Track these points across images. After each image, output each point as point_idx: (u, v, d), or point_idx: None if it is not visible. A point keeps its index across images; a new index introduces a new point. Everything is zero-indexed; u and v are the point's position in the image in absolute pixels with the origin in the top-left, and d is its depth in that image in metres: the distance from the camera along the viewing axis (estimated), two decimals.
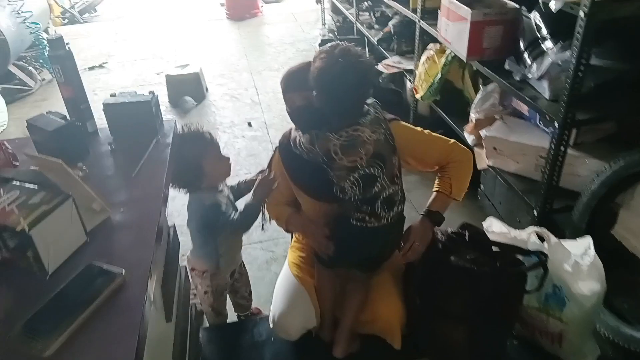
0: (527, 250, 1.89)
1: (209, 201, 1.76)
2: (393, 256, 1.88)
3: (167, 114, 4.76)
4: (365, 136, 1.56)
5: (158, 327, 1.36)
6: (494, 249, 1.93)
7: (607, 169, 2.06)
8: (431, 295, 1.86)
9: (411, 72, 3.83)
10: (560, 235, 2.41)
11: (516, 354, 2.04)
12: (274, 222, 1.94)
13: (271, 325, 1.93)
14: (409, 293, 1.93)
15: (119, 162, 1.53)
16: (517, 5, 2.59)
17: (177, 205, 2.40)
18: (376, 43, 4.37)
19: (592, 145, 2.41)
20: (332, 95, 1.51)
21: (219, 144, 1.87)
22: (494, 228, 2.02)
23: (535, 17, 2.44)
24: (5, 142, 1.49)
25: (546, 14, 2.36)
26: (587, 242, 1.88)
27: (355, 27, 5.06)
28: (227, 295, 2.16)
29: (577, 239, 1.94)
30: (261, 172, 1.85)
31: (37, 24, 5.40)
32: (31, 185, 1.16)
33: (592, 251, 1.83)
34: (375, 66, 1.62)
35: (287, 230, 1.90)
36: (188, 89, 4.88)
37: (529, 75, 2.37)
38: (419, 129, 1.81)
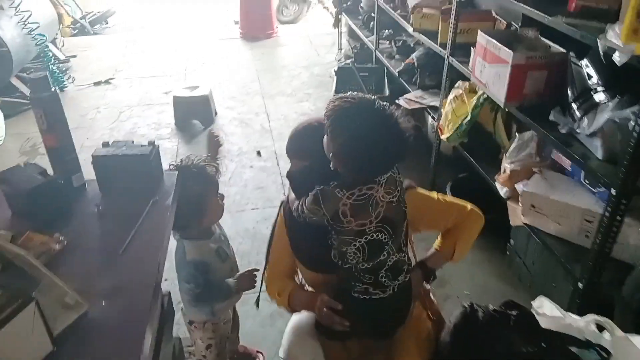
0: (585, 341, 1.61)
1: (198, 256, 1.73)
2: (410, 319, 1.62)
3: (173, 137, 4.52)
4: (379, 196, 1.34)
5: None
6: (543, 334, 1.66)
7: None
8: None
9: (435, 108, 3.59)
10: (609, 312, 2.14)
11: None
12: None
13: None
14: None
15: (106, 230, 1.27)
16: (563, 50, 2.34)
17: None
18: (397, 74, 4.13)
19: None
20: (357, 144, 1.25)
21: (221, 176, 1.84)
22: (545, 310, 1.74)
23: (586, 65, 2.19)
24: None
25: (600, 63, 2.10)
26: None
27: (374, 56, 4.83)
28: None
29: None
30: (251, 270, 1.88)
31: (43, 35, 5.20)
32: None
33: None
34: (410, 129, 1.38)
35: (291, 311, 1.64)
36: (196, 111, 4.64)
37: (578, 130, 2.11)
38: (434, 195, 1.61)
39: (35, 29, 5.02)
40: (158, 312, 1.12)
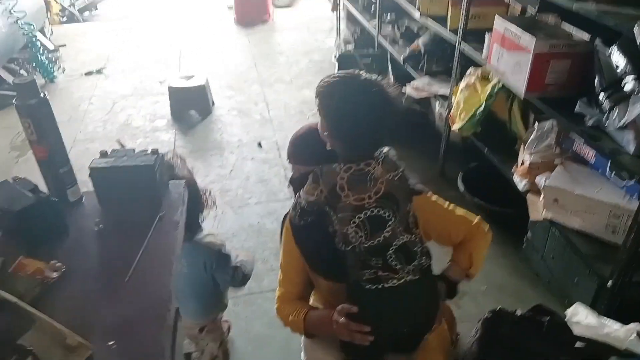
0: (626, 351, 1.50)
1: (215, 247, 1.76)
2: (435, 331, 1.49)
3: (170, 129, 4.36)
4: (377, 172, 1.27)
5: None
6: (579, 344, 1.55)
7: None
8: None
9: (443, 96, 3.45)
10: (638, 313, 2.04)
11: None
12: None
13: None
14: None
15: (108, 253, 1.13)
16: (587, 37, 2.20)
17: None
18: (402, 61, 3.97)
19: None
20: (346, 117, 1.26)
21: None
22: (580, 318, 1.63)
23: (615, 53, 2.05)
24: None
25: (631, 52, 1.96)
26: None
27: (376, 41, 4.65)
28: None
29: None
30: None
31: (30, 24, 4.99)
32: None
33: None
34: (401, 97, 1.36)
35: (307, 336, 1.50)
36: (193, 102, 4.47)
37: (607, 123, 1.99)
38: (446, 204, 1.50)
39: (22, 17, 4.81)
40: (170, 343, 0.99)
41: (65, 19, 7.29)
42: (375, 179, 1.27)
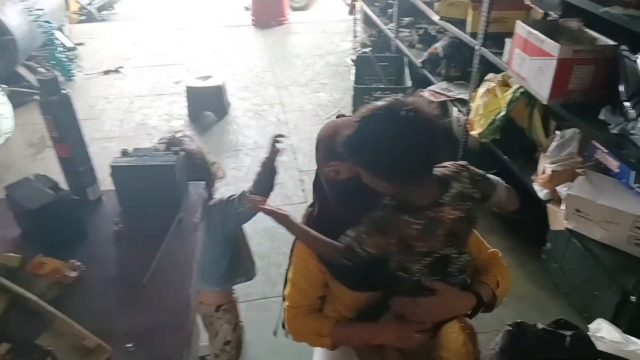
0: None
1: (220, 200, 1.78)
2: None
3: (186, 129, 4.35)
4: (446, 215, 1.18)
5: None
6: None
7: None
8: None
9: (462, 101, 3.41)
10: None
11: None
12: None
13: None
14: None
15: (126, 254, 1.12)
16: (613, 43, 2.16)
17: None
18: (420, 65, 3.94)
19: None
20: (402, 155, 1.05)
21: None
22: (604, 333, 1.59)
23: None
24: None
25: None
26: None
27: (393, 45, 4.63)
28: None
29: None
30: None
31: (49, 22, 5.03)
32: None
33: None
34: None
35: (334, 347, 1.43)
36: (209, 102, 4.47)
37: (632, 131, 1.94)
38: None
39: (41, 15, 4.85)
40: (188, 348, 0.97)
41: (84, 17, 7.35)
42: (443, 222, 1.19)
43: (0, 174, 3.67)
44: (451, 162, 1.26)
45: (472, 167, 1.29)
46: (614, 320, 2.12)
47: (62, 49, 5.35)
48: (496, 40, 2.92)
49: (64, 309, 0.93)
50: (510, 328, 1.62)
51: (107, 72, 5.45)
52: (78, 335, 0.86)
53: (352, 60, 4.81)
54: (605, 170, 2.31)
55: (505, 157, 2.85)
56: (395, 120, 1.04)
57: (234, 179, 3.65)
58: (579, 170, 2.30)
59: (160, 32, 6.83)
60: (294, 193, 3.47)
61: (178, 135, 1.76)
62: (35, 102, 1.13)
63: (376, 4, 5.30)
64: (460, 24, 3.27)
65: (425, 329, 1.32)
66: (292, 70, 5.51)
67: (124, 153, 1.21)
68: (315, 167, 1.34)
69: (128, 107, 4.74)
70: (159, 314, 0.96)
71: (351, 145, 1.07)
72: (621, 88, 2.05)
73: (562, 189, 2.27)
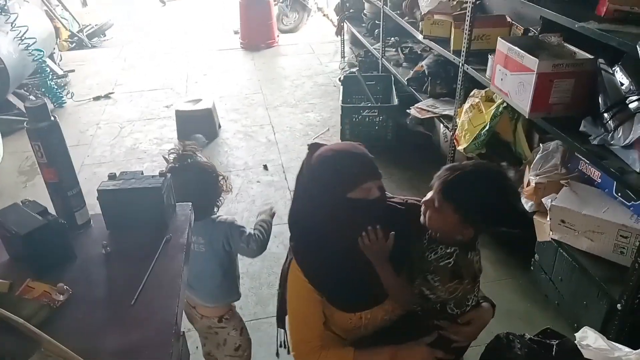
0: None
1: (227, 221, 1.83)
2: None
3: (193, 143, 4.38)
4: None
5: None
6: None
7: None
8: None
9: (448, 117, 3.46)
10: None
11: None
12: None
13: None
14: None
15: (114, 276, 1.13)
16: (591, 56, 2.22)
17: None
18: (406, 82, 4.01)
19: None
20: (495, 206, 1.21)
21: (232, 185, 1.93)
22: (590, 341, 1.60)
23: (618, 72, 2.06)
24: None
25: (635, 70, 1.98)
26: None
27: (380, 64, 4.71)
28: None
29: None
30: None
31: (40, 50, 5.07)
32: None
33: None
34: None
35: None
36: (199, 125, 4.50)
37: (612, 142, 1.99)
38: None
39: (32, 44, 4.89)
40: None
41: (74, 45, 7.42)
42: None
43: None
44: None
45: None
46: (603, 329, 2.15)
47: (52, 77, 5.40)
48: (479, 57, 2.99)
49: (53, 331, 0.94)
50: (497, 339, 1.63)
51: (97, 98, 5.49)
52: (66, 357, 0.87)
53: (340, 80, 4.88)
54: (589, 181, 2.35)
55: None
56: (506, 187, 1.22)
57: (224, 200, 3.66)
58: (563, 182, 2.34)
59: (150, 57, 6.91)
60: (285, 212, 3.43)
61: (189, 147, 1.82)
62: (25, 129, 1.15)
63: (362, 24, 5.40)
64: (444, 42, 3.34)
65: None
66: (281, 91, 5.58)
67: (112, 177, 1.23)
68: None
69: (119, 132, 4.77)
70: (146, 333, 0.97)
71: (468, 198, 1.19)
72: (600, 100, 2.10)
73: (547, 201, 2.30)
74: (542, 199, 2.36)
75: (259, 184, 3.88)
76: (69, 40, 7.38)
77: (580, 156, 2.30)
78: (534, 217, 2.46)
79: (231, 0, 7.90)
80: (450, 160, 3.41)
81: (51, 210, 1.20)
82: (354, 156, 1.25)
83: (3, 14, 4.64)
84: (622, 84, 2.05)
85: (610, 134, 1.99)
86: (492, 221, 1.23)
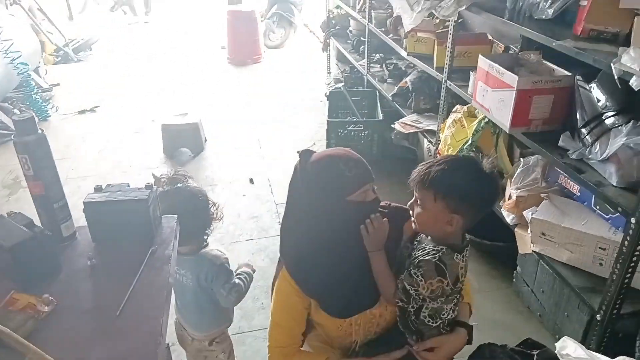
0: None
1: (218, 261, 1.79)
2: None
3: (162, 166, 4.39)
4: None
5: None
6: None
7: None
8: None
9: (431, 132, 3.52)
10: (629, 346, 2.05)
11: None
12: None
13: None
14: None
15: (100, 287, 1.14)
16: (569, 73, 2.28)
17: None
18: (390, 98, 4.07)
19: None
20: (479, 197, 1.26)
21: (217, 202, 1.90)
22: (569, 351, 1.63)
23: (595, 88, 2.13)
24: None
25: (610, 87, 2.04)
26: None
27: (365, 80, 4.77)
28: None
29: None
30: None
31: (25, 64, 5.06)
32: None
33: None
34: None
35: None
36: (185, 139, 4.52)
37: (590, 156, 2.04)
38: None
39: (17, 57, 4.89)
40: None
41: (60, 59, 7.40)
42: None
43: None
44: None
45: None
46: (584, 339, 2.19)
47: (37, 90, 5.38)
48: (462, 73, 3.06)
49: (39, 342, 0.94)
50: (478, 350, 1.65)
51: (82, 112, 5.48)
52: None
53: (326, 95, 4.93)
54: (568, 194, 2.40)
55: None
56: (480, 169, 1.24)
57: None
58: (543, 195, 2.39)
59: (137, 71, 6.92)
60: (271, 225, 3.49)
61: (180, 173, 1.82)
62: (10, 143, 1.16)
63: (348, 41, 5.48)
64: (428, 59, 3.41)
65: None
66: (268, 106, 5.62)
67: (98, 189, 1.24)
68: None
69: (104, 146, 4.75)
70: (131, 344, 0.98)
71: (444, 181, 1.21)
72: (578, 115, 2.16)
73: (527, 214, 2.35)
74: (523, 212, 2.40)
75: (244, 197, 3.88)
76: (55, 54, 7.37)
77: (559, 170, 2.35)
78: (516, 230, 2.50)
79: (218, 16, 7.97)
80: None
81: (37, 222, 1.21)
82: (352, 160, 1.28)
83: None
84: (598, 100, 2.12)
85: (588, 149, 2.05)
86: (469, 198, 1.23)
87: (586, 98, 2.15)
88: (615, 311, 1.99)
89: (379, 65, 4.73)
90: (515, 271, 2.75)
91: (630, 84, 1.64)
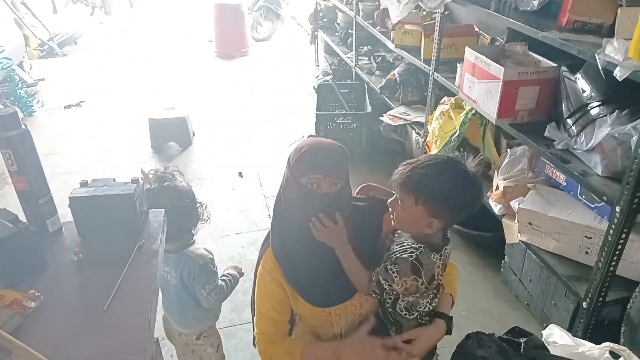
0: None
1: (202, 260, 1.78)
2: None
3: (149, 160, 4.36)
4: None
5: None
6: None
7: None
8: None
9: (419, 124, 3.53)
10: (614, 332, 2.08)
11: None
12: None
13: None
14: None
15: (86, 282, 1.13)
16: (554, 64, 2.30)
17: None
18: (378, 90, 4.07)
19: None
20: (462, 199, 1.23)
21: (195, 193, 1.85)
22: (556, 338, 1.66)
23: (580, 79, 2.15)
24: None
25: (595, 78, 2.06)
26: None
27: (353, 72, 4.77)
28: None
29: None
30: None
31: (9, 59, 5.00)
32: None
33: None
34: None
35: None
36: (173, 133, 4.49)
37: (575, 146, 2.06)
38: None
39: (0, 52, 4.82)
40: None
41: (44, 53, 7.31)
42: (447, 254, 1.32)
43: None
44: None
45: None
46: (571, 327, 2.22)
47: (22, 85, 5.31)
48: (449, 65, 3.07)
49: (25, 338, 0.94)
50: (466, 339, 1.67)
51: (68, 107, 5.43)
52: None
53: (314, 88, 4.92)
54: (554, 184, 2.43)
55: None
56: (463, 173, 1.21)
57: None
58: (530, 185, 2.41)
59: (123, 65, 6.85)
60: (260, 219, 3.49)
61: (169, 169, 1.80)
62: None
63: (336, 33, 5.47)
64: (415, 51, 3.41)
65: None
66: (255, 99, 5.60)
67: (83, 184, 1.23)
68: None
69: (90, 141, 4.71)
70: (119, 339, 0.97)
71: (427, 186, 1.19)
72: (563, 106, 2.18)
73: (514, 204, 2.37)
74: (510, 202, 2.42)
75: (233, 191, 3.87)
76: (39, 48, 7.27)
77: (545, 160, 2.37)
78: (503, 220, 2.52)
79: (205, 9, 7.91)
80: None
81: (22, 218, 1.20)
82: (321, 147, 1.26)
83: None
84: (583, 91, 2.14)
85: (573, 139, 2.07)
86: (451, 204, 1.21)
87: (571, 89, 2.16)
88: (601, 299, 2.02)
89: (366, 58, 4.72)
90: (503, 261, 2.78)
91: (614, 74, 1.66)
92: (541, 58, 2.40)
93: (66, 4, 10.29)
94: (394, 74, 3.94)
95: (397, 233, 1.36)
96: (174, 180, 1.78)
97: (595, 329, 2.11)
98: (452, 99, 3.02)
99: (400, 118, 3.65)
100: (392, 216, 1.30)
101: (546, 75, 2.26)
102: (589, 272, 2.07)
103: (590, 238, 2.16)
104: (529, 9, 2.30)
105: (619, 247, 1.88)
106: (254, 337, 1.55)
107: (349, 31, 4.93)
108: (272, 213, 1.44)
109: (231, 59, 6.99)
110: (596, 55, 1.71)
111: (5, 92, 5.26)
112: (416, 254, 1.23)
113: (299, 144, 1.31)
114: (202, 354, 1.97)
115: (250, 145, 4.57)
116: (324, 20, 5.88)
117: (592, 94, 2.09)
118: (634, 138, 1.77)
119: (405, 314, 1.33)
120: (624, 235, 1.85)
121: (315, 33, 6.08)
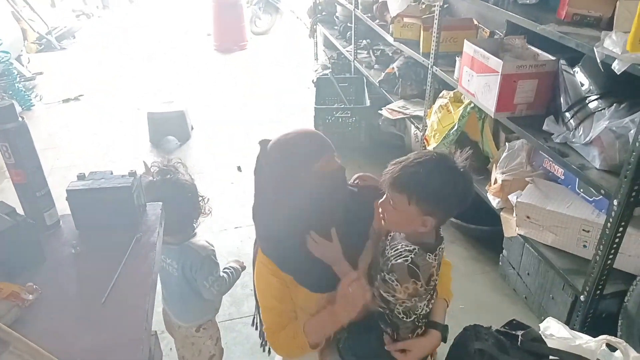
0: None
1: (204, 252, 1.79)
2: None
3: (148, 154, 4.35)
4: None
5: None
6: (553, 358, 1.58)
7: None
8: None
9: (418, 118, 3.53)
10: (612, 325, 2.09)
11: None
12: None
13: None
14: None
15: (84, 275, 1.14)
16: (553, 58, 2.30)
17: None
18: (377, 84, 4.07)
19: None
20: (453, 198, 1.23)
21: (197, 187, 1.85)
22: (553, 331, 1.66)
23: (579, 72, 2.14)
24: None
25: (593, 71, 2.06)
26: None
27: (352, 66, 4.76)
28: None
29: None
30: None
31: (7, 52, 4.98)
32: None
33: None
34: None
35: (312, 345, 1.42)
36: (172, 127, 4.49)
37: (573, 139, 2.06)
38: None
39: None
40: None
41: (42, 47, 7.28)
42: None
43: None
44: None
45: None
46: (569, 320, 2.23)
47: (20, 79, 5.30)
48: (448, 59, 3.06)
49: (23, 330, 0.94)
50: (463, 332, 1.67)
51: (67, 101, 5.41)
52: (36, 355, 0.88)
53: (313, 82, 4.91)
54: (553, 178, 2.43)
55: None
56: (453, 168, 1.21)
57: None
58: (528, 179, 2.41)
59: (121, 59, 6.83)
60: None
61: (172, 164, 1.78)
62: None
63: (335, 27, 5.45)
64: (414, 44, 3.40)
65: None
66: (254, 91, 5.59)
67: (81, 177, 1.23)
68: None
69: (89, 135, 4.71)
70: (117, 332, 0.98)
71: (419, 185, 1.19)
72: (562, 100, 2.18)
73: (512, 197, 2.37)
74: (509, 196, 2.43)
75: (232, 185, 3.87)
76: (37, 42, 7.24)
77: (544, 154, 2.37)
78: (501, 213, 2.53)
79: (204, 3, 7.88)
80: None
81: (20, 211, 1.20)
82: (307, 134, 1.28)
83: None
84: (582, 84, 2.13)
85: (571, 132, 2.07)
86: (445, 201, 1.22)
87: (570, 82, 2.16)
88: (598, 292, 2.02)
89: (366, 52, 4.71)
90: (501, 254, 2.78)
91: (612, 67, 1.66)
92: (540, 51, 2.39)
93: None
94: (393, 68, 3.93)
95: (391, 235, 1.35)
96: (177, 173, 1.77)
97: (592, 322, 2.12)
98: (451, 92, 3.01)
99: (399, 112, 3.64)
100: (383, 217, 1.29)
101: (545, 68, 2.26)
102: (587, 266, 2.07)
103: (588, 231, 2.17)
104: (527, 2, 2.30)
105: (617, 240, 1.89)
106: (264, 339, 1.55)
107: (348, 25, 4.91)
108: (254, 219, 1.42)
109: (230, 52, 6.97)
110: (595, 48, 1.71)
111: (3, 86, 5.24)
112: (411, 257, 1.22)
113: (277, 145, 1.29)
114: (201, 347, 1.98)
115: (250, 138, 4.56)
116: (323, 13, 5.86)
117: (591, 87, 2.09)
118: (631, 131, 1.77)
119: (403, 317, 1.32)
120: (621, 229, 1.85)
121: (314, 27, 6.06)
